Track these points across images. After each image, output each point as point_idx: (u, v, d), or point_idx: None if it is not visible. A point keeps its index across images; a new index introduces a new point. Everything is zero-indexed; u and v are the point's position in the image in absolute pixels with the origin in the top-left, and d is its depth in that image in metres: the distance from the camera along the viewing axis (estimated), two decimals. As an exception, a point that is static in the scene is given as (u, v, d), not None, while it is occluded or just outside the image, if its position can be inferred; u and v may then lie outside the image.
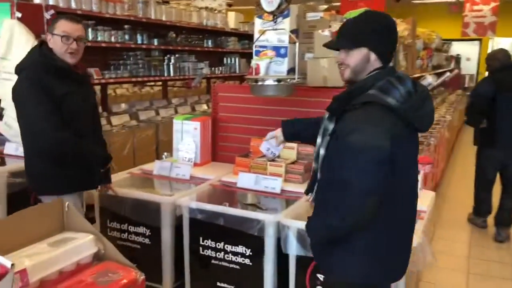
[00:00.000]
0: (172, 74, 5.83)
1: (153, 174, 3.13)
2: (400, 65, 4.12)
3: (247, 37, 7.76)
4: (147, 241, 2.70)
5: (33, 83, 2.24)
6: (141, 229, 2.70)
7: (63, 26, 2.32)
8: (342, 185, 1.50)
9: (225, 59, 7.44)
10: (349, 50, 1.61)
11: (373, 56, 1.60)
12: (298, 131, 2.12)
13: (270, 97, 2.84)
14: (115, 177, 3.02)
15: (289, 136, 2.15)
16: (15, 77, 2.38)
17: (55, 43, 2.32)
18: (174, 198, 2.60)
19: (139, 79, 5.34)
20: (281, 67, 2.82)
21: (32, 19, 3.70)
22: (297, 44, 2.70)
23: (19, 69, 2.37)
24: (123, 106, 5.50)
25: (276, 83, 2.63)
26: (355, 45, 1.60)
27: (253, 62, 2.94)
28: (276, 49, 2.80)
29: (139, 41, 5.30)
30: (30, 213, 1.92)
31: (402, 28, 4.44)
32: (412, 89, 1.57)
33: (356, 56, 1.60)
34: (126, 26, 5.09)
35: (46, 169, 2.36)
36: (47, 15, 3.82)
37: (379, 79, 1.57)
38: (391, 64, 1.68)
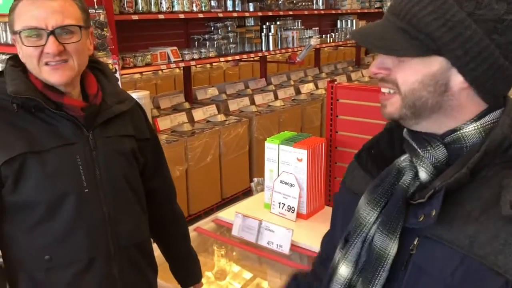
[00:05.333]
0: (271, 48, 4.58)
1: (233, 234, 1.97)
2: None
3: (367, -7, 6.19)
4: None
5: None
6: None
7: (24, 12, 1.11)
8: None
9: (339, 22, 5.99)
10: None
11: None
12: None
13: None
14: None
15: None
16: None
17: (22, 50, 1.15)
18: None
19: (230, 57, 4.18)
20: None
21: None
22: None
23: None
24: (210, 91, 4.41)
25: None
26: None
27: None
28: None
29: (229, 8, 4.11)
30: None
31: None
32: None
33: None
34: (211, -11, 3.92)
35: None
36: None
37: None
38: None
